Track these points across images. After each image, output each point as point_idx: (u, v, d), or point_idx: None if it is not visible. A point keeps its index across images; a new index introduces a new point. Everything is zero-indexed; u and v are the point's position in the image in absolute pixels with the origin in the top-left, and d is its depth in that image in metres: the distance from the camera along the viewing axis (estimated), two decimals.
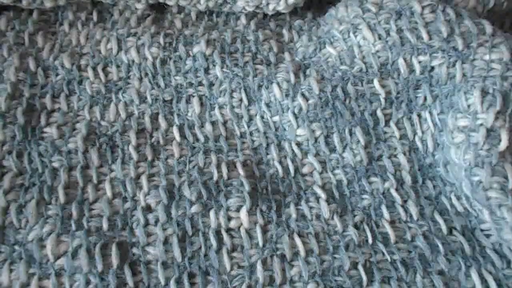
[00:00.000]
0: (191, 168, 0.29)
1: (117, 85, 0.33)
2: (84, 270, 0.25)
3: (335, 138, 0.30)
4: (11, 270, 0.25)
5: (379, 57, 0.31)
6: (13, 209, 0.27)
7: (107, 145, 0.30)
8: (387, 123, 0.31)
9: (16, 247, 0.26)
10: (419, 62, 0.30)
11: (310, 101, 0.31)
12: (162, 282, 0.25)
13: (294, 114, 0.31)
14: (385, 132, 0.31)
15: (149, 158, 0.30)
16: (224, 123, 0.32)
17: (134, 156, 0.29)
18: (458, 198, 0.28)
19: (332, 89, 0.31)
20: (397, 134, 0.31)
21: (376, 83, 0.31)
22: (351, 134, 0.30)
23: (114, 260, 0.25)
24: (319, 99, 0.31)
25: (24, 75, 0.33)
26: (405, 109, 0.31)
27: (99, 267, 0.25)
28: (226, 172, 0.29)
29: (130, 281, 0.25)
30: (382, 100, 0.31)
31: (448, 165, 0.29)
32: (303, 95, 0.31)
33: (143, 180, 0.29)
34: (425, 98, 0.31)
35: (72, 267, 0.25)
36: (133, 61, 0.34)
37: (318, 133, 0.30)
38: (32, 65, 0.33)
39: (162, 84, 0.33)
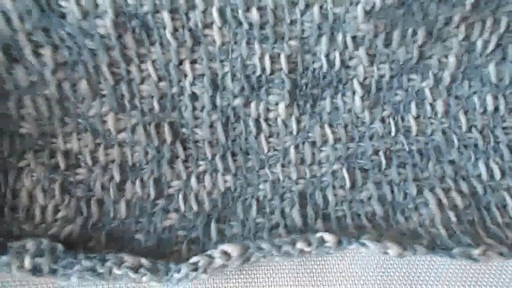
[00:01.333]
0: (234, 58, 0.29)
1: None
2: (142, 143, 0.29)
3: (395, 35, 0.29)
4: (79, 139, 0.29)
5: None
6: (67, 86, 0.28)
7: (141, 29, 0.28)
8: (458, 25, 0.29)
9: (80, 120, 0.29)
10: None
11: (388, 0, 0.28)
12: (209, 157, 0.29)
13: (364, 9, 0.28)
14: (449, 32, 0.29)
15: (189, 43, 0.29)
16: (274, 9, 0.29)
17: (172, 41, 0.28)
18: (495, 97, 0.30)
19: None
20: (461, 35, 0.29)
21: None
22: (413, 33, 0.29)
23: (168, 136, 0.29)
24: None
25: None
26: (485, 13, 0.29)
27: (155, 141, 0.29)
28: (269, 65, 0.29)
29: (181, 154, 0.29)
30: (468, 5, 0.28)
31: (504, 62, 0.30)
32: None
33: (187, 66, 0.29)
34: None
35: (132, 140, 0.29)
36: None
37: (381, 29, 0.29)
38: None
39: None
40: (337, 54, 0.29)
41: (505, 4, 0.29)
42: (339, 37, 0.29)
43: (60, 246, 0.25)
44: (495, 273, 0.29)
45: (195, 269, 0.24)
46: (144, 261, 0.24)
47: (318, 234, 0.25)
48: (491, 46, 0.30)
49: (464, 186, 0.30)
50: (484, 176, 0.30)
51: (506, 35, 0.30)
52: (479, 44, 0.30)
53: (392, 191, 0.30)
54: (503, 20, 0.29)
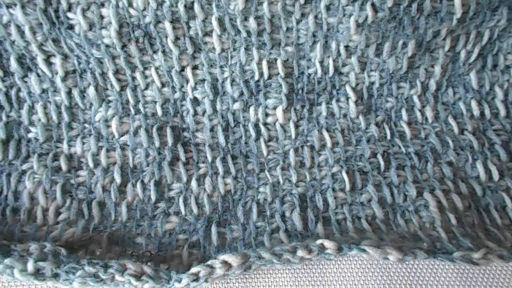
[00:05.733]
0: (233, 64, 0.30)
1: None
2: (144, 146, 0.29)
3: (386, 47, 0.30)
4: (83, 143, 0.30)
5: None
6: (76, 93, 0.30)
7: (144, 38, 0.29)
8: (445, 37, 0.30)
9: (86, 125, 0.30)
10: None
11: (379, 14, 0.29)
12: (210, 159, 0.30)
13: (356, 21, 0.29)
14: (437, 44, 0.31)
15: (190, 50, 0.30)
16: (271, 18, 0.30)
17: (174, 49, 0.29)
18: (479, 103, 0.31)
19: (408, 4, 0.29)
20: (447, 47, 0.31)
21: (457, 0, 0.29)
22: (403, 45, 0.30)
23: (169, 139, 0.30)
24: (390, 13, 0.29)
25: None
26: (470, 27, 0.30)
27: (157, 143, 0.29)
28: (266, 70, 0.30)
29: (182, 156, 0.30)
30: (455, 20, 0.30)
31: (484, 70, 0.31)
32: (373, 5, 0.29)
33: (188, 72, 0.30)
34: (498, 21, 0.30)
35: (134, 143, 0.30)
36: None
37: (372, 40, 0.30)
38: None
39: None
40: (330, 61, 0.31)
41: (489, 20, 0.30)
42: (333, 45, 0.30)
43: (63, 251, 0.25)
44: (495, 273, 0.29)
45: (196, 279, 0.24)
46: (146, 268, 0.24)
47: (319, 241, 0.25)
48: (473, 56, 0.31)
49: (463, 188, 0.30)
50: (483, 177, 0.30)
51: (487, 46, 0.31)
52: (463, 54, 0.31)
53: (392, 193, 0.30)
54: (485, 34, 0.31)
